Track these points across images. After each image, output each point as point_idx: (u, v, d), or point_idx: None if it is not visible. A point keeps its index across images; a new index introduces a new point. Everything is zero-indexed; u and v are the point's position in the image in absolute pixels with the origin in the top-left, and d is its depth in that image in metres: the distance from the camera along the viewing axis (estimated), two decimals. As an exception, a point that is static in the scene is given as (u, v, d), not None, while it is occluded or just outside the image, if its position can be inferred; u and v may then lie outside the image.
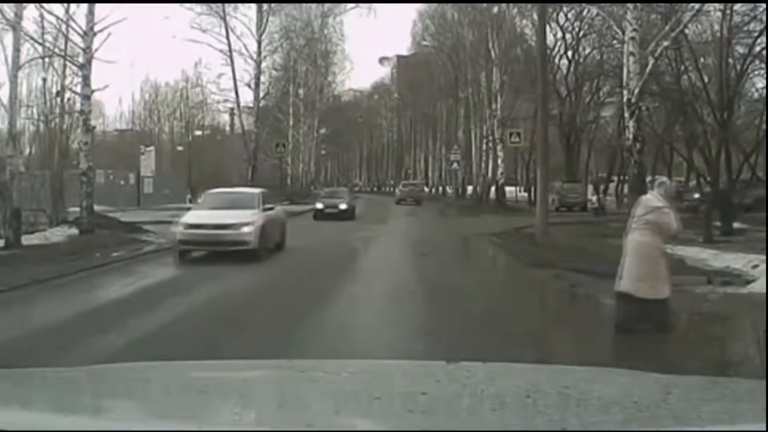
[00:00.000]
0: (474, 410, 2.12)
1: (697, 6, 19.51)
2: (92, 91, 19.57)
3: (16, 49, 17.77)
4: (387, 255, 16.80)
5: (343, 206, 29.26)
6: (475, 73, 40.95)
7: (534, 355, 6.42)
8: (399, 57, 66.36)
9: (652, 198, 7.86)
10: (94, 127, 23.68)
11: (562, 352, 7.26)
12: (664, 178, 9.71)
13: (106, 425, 1.84)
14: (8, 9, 17.42)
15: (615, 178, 39.25)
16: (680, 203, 8.23)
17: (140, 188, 41.71)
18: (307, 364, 2.77)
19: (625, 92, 17.58)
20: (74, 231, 17.97)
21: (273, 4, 37.68)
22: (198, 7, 35.38)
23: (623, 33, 17.30)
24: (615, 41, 24.67)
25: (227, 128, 55.33)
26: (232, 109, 42.75)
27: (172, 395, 2.29)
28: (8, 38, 18.03)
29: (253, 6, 36.81)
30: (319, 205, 30.09)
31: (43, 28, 21.14)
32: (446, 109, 52.35)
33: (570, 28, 36.46)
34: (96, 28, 18.51)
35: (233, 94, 38.28)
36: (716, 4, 22.22)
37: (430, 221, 30.53)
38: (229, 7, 35.96)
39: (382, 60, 70.66)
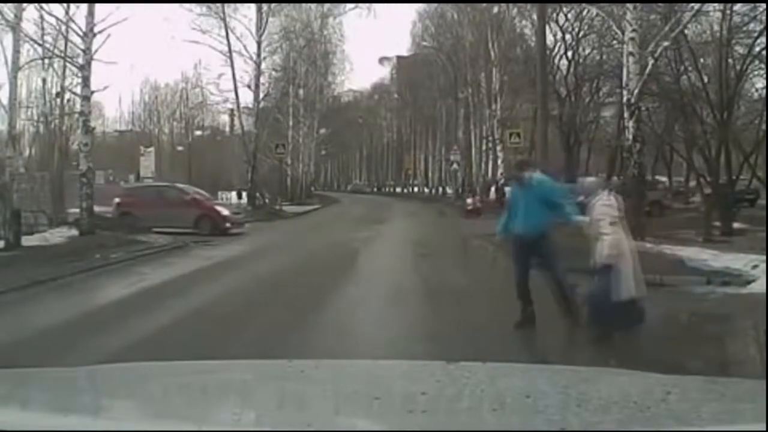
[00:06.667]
0: (474, 410, 2.12)
1: (696, 6, 19.51)
2: (92, 92, 19.56)
3: (16, 50, 17.78)
4: (387, 255, 16.83)
5: None
6: (474, 74, 40.92)
7: (534, 356, 6.42)
8: (399, 57, 66.30)
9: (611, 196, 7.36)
10: (93, 128, 23.68)
11: (562, 352, 7.26)
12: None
13: (106, 425, 1.84)
14: (8, 10, 17.45)
15: (615, 178, 39.18)
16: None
17: (140, 189, 41.67)
18: (307, 364, 2.76)
19: (624, 92, 17.58)
20: (74, 232, 17.95)
21: (273, 5, 37.67)
22: (198, 8, 35.42)
23: (623, 33, 17.30)
24: (615, 41, 24.64)
25: (227, 129, 55.37)
26: (231, 109, 42.75)
27: (172, 395, 2.28)
28: (8, 39, 18.07)
29: (253, 7, 36.84)
30: None
31: (42, 29, 21.19)
32: (446, 110, 52.27)
33: (570, 29, 36.41)
34: (96, 29, 18.51)
35: (233, 95, 38.29)
36: (716, 5, 22.21)
37: (430, 222, 30.51)
38: (229, 8, 36.00)
39: (382, 60, 70.61)
